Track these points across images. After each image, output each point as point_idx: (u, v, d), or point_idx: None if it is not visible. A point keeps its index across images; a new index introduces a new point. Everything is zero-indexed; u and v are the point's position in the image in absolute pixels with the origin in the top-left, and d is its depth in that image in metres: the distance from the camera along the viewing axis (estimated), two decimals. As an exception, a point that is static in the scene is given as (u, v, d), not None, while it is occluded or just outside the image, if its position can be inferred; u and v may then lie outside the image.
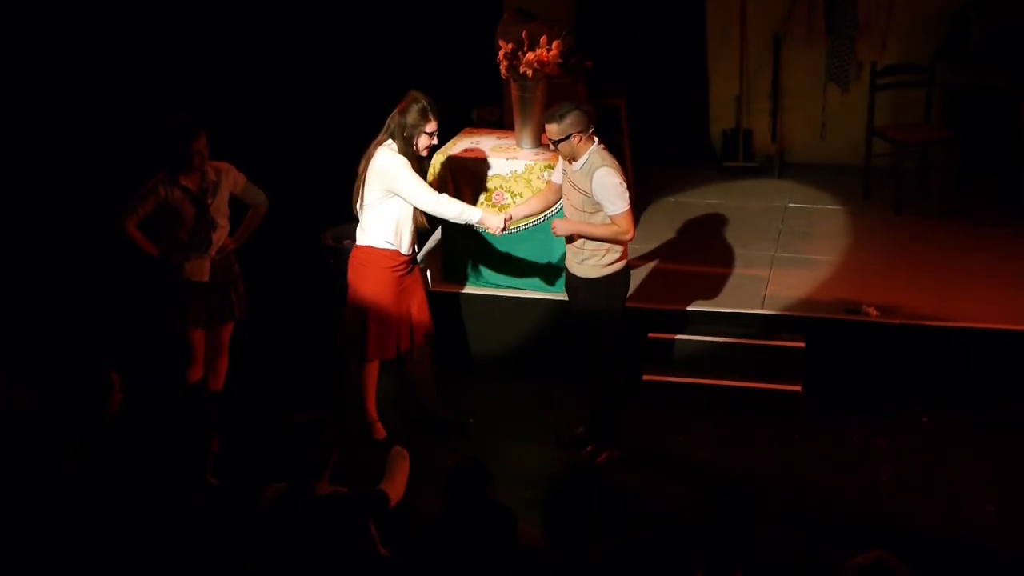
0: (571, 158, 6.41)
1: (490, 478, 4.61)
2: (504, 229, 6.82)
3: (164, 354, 6.96)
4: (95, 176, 8.60)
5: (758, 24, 9.82)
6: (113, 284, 8.15)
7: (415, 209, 6.68)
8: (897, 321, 7.42)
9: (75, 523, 4.68)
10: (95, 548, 4.65)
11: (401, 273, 6.75)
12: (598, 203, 6.35)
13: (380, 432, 7.01)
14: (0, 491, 4.69)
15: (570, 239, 6.55)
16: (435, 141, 6.62)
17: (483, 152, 7.74)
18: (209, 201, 6.68)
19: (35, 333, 7.61)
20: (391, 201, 6.61)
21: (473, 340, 7.81)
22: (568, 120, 6.31)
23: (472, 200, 7.66)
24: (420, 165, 6.72)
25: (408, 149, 6.56)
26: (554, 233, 6.62)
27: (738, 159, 10.01)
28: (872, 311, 7.48)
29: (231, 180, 6.80)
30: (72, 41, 8.61)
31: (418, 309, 6.91)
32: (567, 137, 6.33)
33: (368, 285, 6.74)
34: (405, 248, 6.74)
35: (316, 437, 4.72)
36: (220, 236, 6.79)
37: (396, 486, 4.97)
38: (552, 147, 6.49)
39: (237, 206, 6.91)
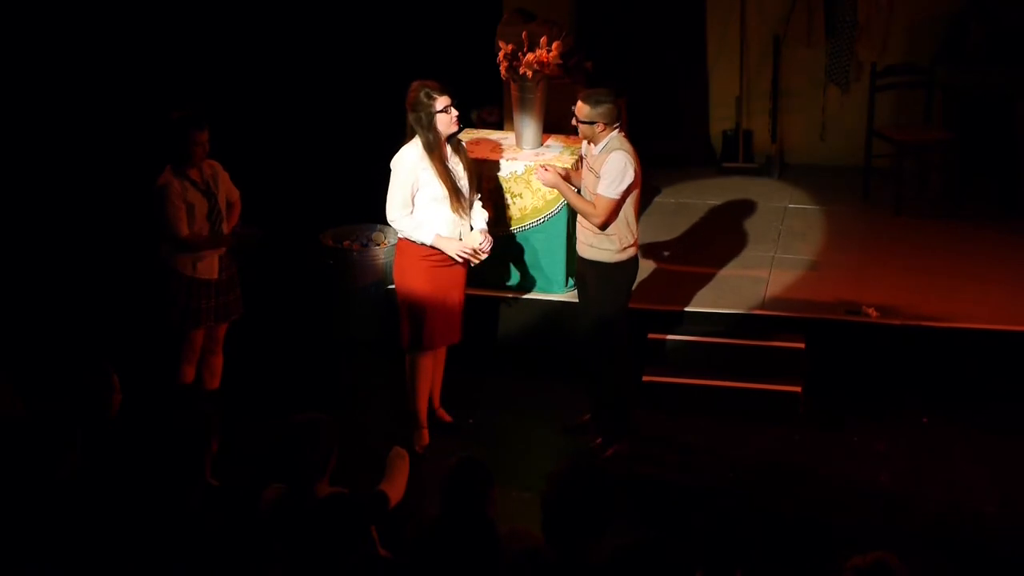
0: (589, 140, 6.49)
1: (491, 478, 4.61)
2: (474, 253, 6.66)
3: (161, 353, 6.95)
4: (93, 177, 8.60)
5: (758, 25, 9.83)
6: (112, 284, 8.14)
7: (452, 198, 6.54)
8: (897, 322, 7.42)
9: (74, 524, 4.68)
10: (94, 549, 4.65)
11: (436, 264, 6.63)
12: None
13: (424, 439, 6.88)
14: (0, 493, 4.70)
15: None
16: (455, 114, 6.48)
17: (483, 153, 7.74)
18: (215, 192, 6.68)
19: (34, 334, 7.60)
20: (416, 196, 6.55)
21: (473, 341, 7.79)
22: (600, 109, 6.38)
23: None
24: (454, 144, 6.61)
25: (434, 137, 6.47)
26: (538, 177, 6.76)
27: (738, 160, 10.01)
28: (872, 312, 7.48)
29: (222, 175, 6.80)
30: (69, 40, 8.60)
31: (456, 307, 6.81)
32: (592, 122, 6.39)
33: (402, 276, 6.70)
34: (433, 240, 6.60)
35: (315, 438, 4.71)
36: (226, 228, 6.79)
37: (396, 487, 4.96)
38: (573, 121, 6.49)
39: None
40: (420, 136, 6.49)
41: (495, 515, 4.63)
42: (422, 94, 6.45)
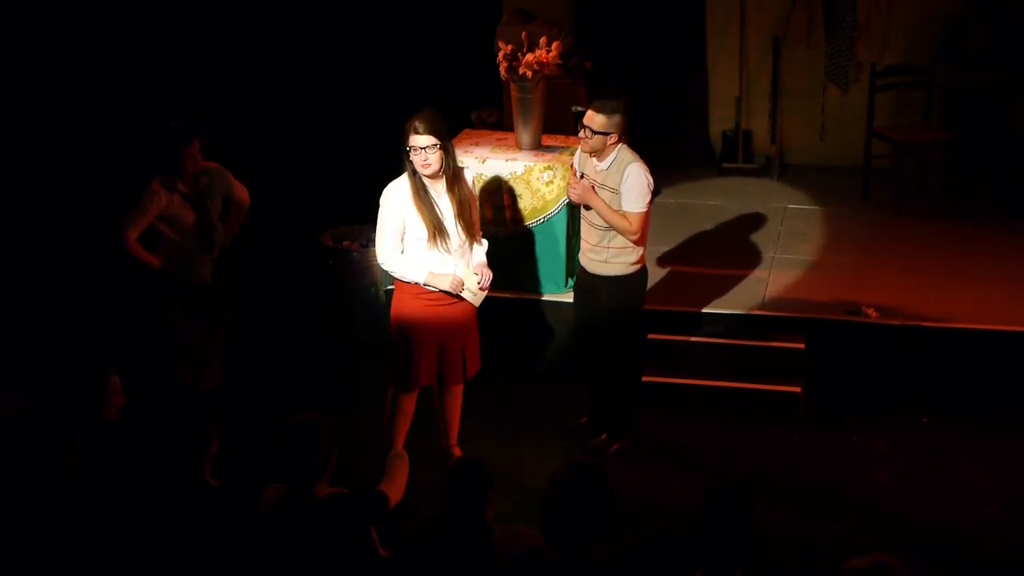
0: (595, 153, 6.38)
1: (490, 479, 4.61)
2: (466, 288, 6.31)
3: (160, 354, 6.96)
4: (91, 179, 8.60)
5: (757, 25, 9.83)
6: (112, 286, 8.14)
7: (431, 236, 6.16)
8: (896, 322, 7.42)
9: (74, 524, 4.68)
10: (94, 549, 4.65)
11: (430, 303, 6.29)
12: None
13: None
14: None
15: (592, 235, 6.52)
16: (428, 157, 6.05)
17: (483, 154, 7.74)
18: (208, 204, 6.70)
19: (34, 336, 7.60)
20: (405, 236, 6.25)
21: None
22: (616, 119, 6.28)
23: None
24: (450, 179, 6.17)
25: (413, 170, 6.15)
26: (570, 193, 6.55)
27: (737, 160, 10.01)
28: (871, 312, 7.48)
29: (222, 180, 6.82)
30: (70, 44, 8.61)
31: (453, 347, 6.46)
32: (606, 133, 6.30)
33: (397, 314, 6.41)
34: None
35: (315, 438, 4.71)
36: (219, 237, 6.83)
37: (395, 487, 4.97)
38: (582, 133, 6.35)
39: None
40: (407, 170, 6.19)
41: (494, 516, 4.64)
42: (407, 125, 6.13)
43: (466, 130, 8.36)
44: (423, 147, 6.06)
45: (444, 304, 6.33)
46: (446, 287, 6.24)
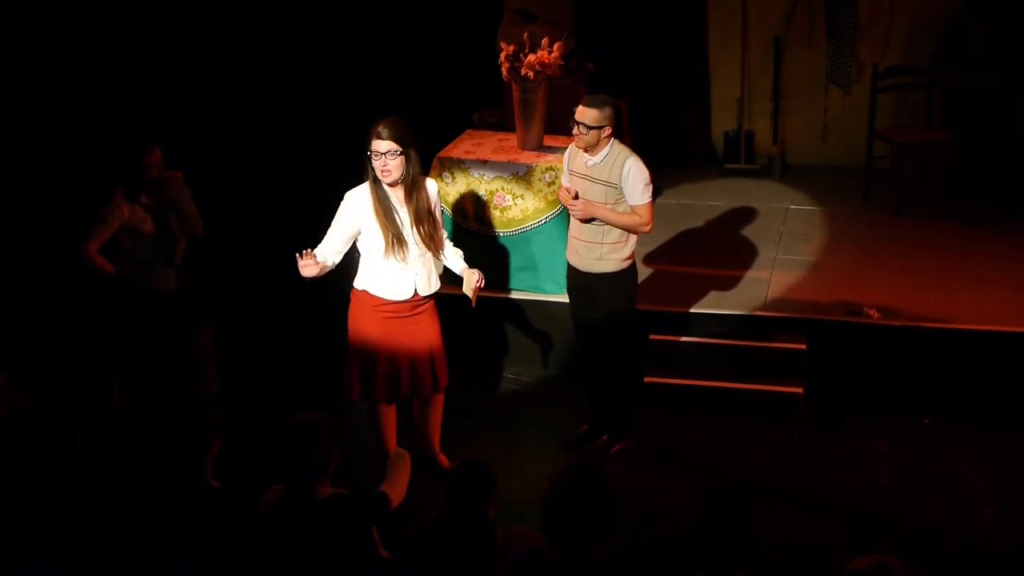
0: (588, 148, 6.38)
1: (492, 480, 4.62)
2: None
3: (131, 365, 6.95)
4: (91, 179, 8.60)
5: (759, 26, 9.83)
6: (111, 287, 8.15)
7: (388, 244, 6.10)
8: (898, 323, 7.43)
9: (74, 524, 4.69)
10: (94, 549, 4.66)
11: (390, 315, 6.25)
12: (622, 194, 6.37)
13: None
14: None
15: (585, 230, 6.51)
16: (388, 163, 5.99)
17: (485, 154, 7.75)
18: (168, 213, 6.71)
19: (34, 336, 7.61)
20: (360, 243, 6.23)
21: (473, 342, 7.80)
22: (607, 112, 6.30)
23: (472, 203, 7.67)
24: (408, 187, 6.10)
25: (377, 180, 6.09)
26: (572, 213, 6.51)
27: (739, 161, 10.01)
28: (873, 313, 7.48)
29: (184, 190, 6.82)
30: (65, 42, 8.61)
31: (419, 359, 6.35)
32: (600, 127, 6.31)
33: (351, 323, 6.35)
34: (380, 292, 6.22)
35: (316, 438, 4.72)
36: (182, 246, 6.82)
37: (397, 488, 4.97)
38: (576, 130, 6.34)
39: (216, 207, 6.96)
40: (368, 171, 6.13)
41: (495, 516, 4.64)
42: (371, 129, 6.03)
43: (468, 131, 8.36)
44: (383, 152, 6.00)
45: (403, 316, 6.26)
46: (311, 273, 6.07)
